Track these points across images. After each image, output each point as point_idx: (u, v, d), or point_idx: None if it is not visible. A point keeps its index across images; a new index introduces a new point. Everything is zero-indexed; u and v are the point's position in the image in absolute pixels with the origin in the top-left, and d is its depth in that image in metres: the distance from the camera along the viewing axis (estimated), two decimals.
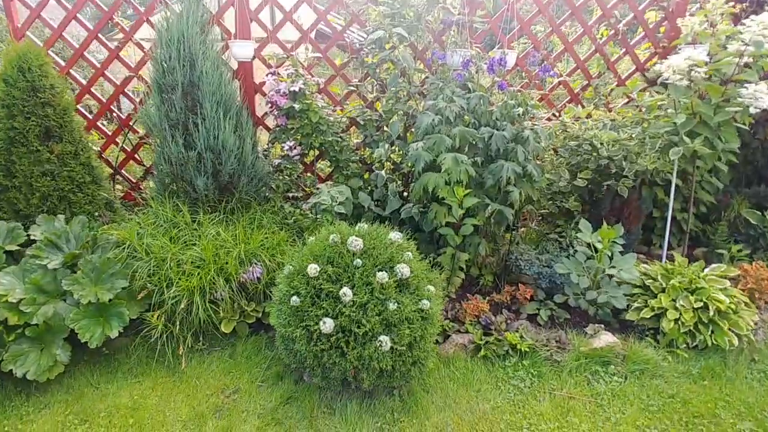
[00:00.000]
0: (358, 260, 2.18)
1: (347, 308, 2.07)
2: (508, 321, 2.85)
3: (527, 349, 2.53)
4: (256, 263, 2.79)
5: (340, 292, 2.08)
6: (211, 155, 3.08)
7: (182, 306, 2.54)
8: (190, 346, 2.64)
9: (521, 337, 2.64)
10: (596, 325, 2.84)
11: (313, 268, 2.15)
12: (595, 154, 3.17)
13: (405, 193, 3.69)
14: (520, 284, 3.05)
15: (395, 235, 2.34)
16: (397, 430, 2.15)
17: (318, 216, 3.19)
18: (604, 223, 3.27)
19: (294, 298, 2.15)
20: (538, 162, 3.14)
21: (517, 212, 3.12)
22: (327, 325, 2.05)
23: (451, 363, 2.55)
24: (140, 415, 2.27)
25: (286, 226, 3.45)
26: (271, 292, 2.66)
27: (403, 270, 2.16)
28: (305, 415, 2.26)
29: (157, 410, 2.31)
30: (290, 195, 3.78)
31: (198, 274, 2.63)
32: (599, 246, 2.68)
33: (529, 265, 3.05)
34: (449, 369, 2.51)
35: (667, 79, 2.88)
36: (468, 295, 3.08)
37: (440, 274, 3.02)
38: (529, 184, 3.02)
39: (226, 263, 2.72)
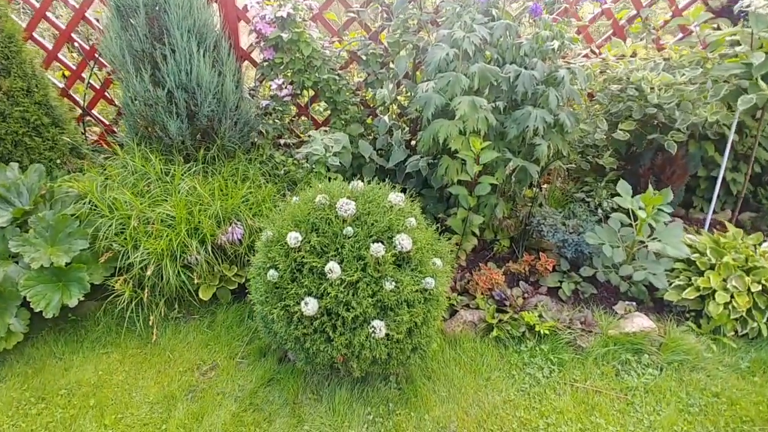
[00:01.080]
0: (349, 228, 1.78)
1: (334, 287, 1.70)
2: (525, 295, 2.49)
3: (547, 332, 2.19)
4: (236, 223, 2.42)
5: (326, 268, 1.71)
6: (184, 94, 2.62)
7: (150, 272, 2.20)
8: (163, 314, 2.35)
9: (540, 316, 2.29)
10: (627, 303, 2.46)
11: (293, 238, 1.76)
12: (641, 101, 2.64)
13: (412, 142, 3.22)
14: (540, 252, 2.66)
15: (396, 197, 1.93)
16: (392, 426, 1.86)
17: (313, 167, 2.77)
18: (642, 183, 2.81)
19: (271, 271, 1.79)
20: (570, 109, 2.62)
21: (543, 169, 2.66)
22: (309, 306, 1.70)
23: (457, 344, 2.22)
24: (103, 395, 2.01)
25: (276, 178, 3.04)
26: (254, 255, 2.31)
27: (404, 242, 1.77)
28: (288, 400, 1.98)
29: (122, 389, 2.05)
30: (282, 142, 3.34)
31: (167, 234, 2.28)
32: (642, 214, 2.23)
33: (553, 231, 2.63)
34: (455, 351, 2.19)
35: (747, 6, 2.28)
36: (480, 263, 2.71)
37: (449, 239, 2.63)
38: (560, 136, 2.53)
39: (200, 222, 2.35)
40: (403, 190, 3.07)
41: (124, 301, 2.25)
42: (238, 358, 2.21)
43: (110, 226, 2.31)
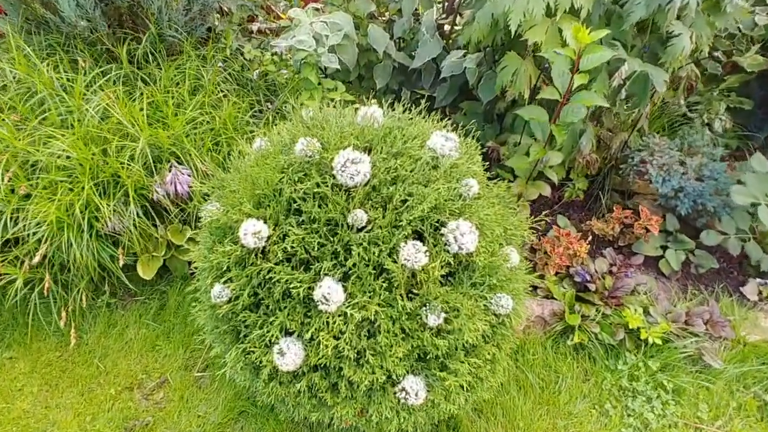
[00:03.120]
0: (360, 212, 0.92)
1: (332, 329, 0.91)
2: (612, 269, 1.71)
3: (659, 341, 1.44)
4: (177, 166, 1.55)
5: (316, 293, 0.89)
6: None
7: (39, 256, 1.40)
8: (87, 302, 1.60)
9: (646, 311, 1.53)
10: (759, 281, 1.70)
11: (250, 234, 0.91)
12: None
13: (448, 29, 2.17)
14: (630, 198, 1.81)
15: (443, 143, 1.03)
16: None
17: (299, 68, 1.81)
18: None
19: (217, 288, 0.98)
20: None
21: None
22: (287, 358, 0.92)
23: (520, 353, 1.50)
24: None
25: (247, 86, 2.08)
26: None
27: (464, 239, 0.93)
28: None
29: (25, 429, 1.38)
30: (254, 28, 2.29)
31: (64, 191, 1.43)
32: None
33: (666, 175, 1.74)
34: (517, 365, 1.48)
35: None
36: (546, 215, 1.87)
37: (505, 182, 1.77)
38: (708, 20, 1.51)
39: (123, 167, 1.48)
40: (430, 100, 2.13)
41: (18, 290, 1.49)
42: (197, 371, 1.52)
43: None
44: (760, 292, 1.67)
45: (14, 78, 1.64)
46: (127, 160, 1.48)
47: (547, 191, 1.71)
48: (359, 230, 0.94)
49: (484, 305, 0.99)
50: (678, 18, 1.41)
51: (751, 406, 1.38)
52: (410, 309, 0.92)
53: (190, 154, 1.57)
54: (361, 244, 0.91)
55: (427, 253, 0.91)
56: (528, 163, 1.63)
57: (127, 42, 1.80)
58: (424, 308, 0.94)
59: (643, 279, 1.65)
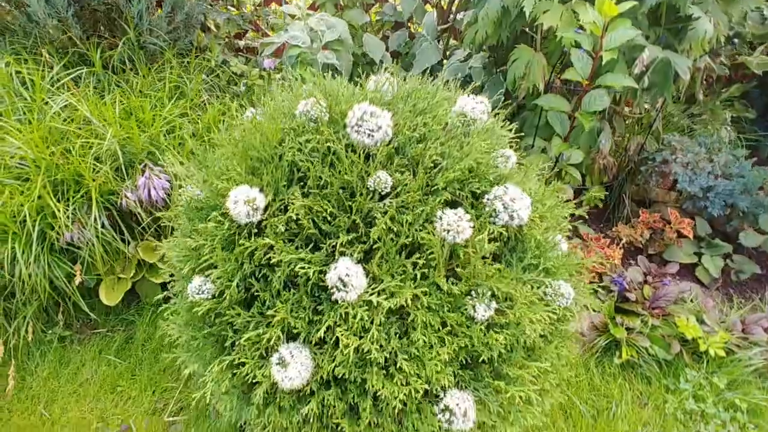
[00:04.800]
0: (384, 174, 0.73)
1: (351, 324, 0.68)
2: (648, 278, 1.52)
3: (722, 353, 1.23)
4: (152, 168, 1.34)
5: (329, 277, 0.67)
6: None
7: None
8: (28, 340, 1.31)
9: (700, 321, 1.32)
10: None
11: (242, 200, 0.70)
12: None
13: (442, 46, 2.10)
14: (670, 209, 1.66)
15: (473, 105, 0.86)
16: None
17: (292, 66, 1.66)
18: None
19: (196, 281, 0.75)
20: None
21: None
22: (292, 370, 0.68)
23: None
24: None
25: (234, 98, 1.93)
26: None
27: (517, 206, 0.73)
28: None
29: None
30: (242, 44, 2.19)
31: (18, 192, 1.20)
32: None
33: (692, 174, 1.61)
34: (561, 389, 1.23)
35: None
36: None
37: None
38: (724, 5, 1.45)
39: (87, 166, 1.26)
40: None
41: None
42: (168, 416, 1.22)
43: None
44: None
45: None
46: (92, 160, 1.26)
47: (569, 194, 1.55)
48: (382, 198, 0.74)
49: (540, 293, 0.78)
50: (693, 4, 1.34)
51: None
52: (456, 293, 0.70)
53: (169, 159, 1.37)
54: (387, 212, 0.71)
55: (471, 222, 0.71)
56: (548, 161, 1.48)
57: (101, 47, 1.64)
58: (469, 296, 0.72)
59: (686, 286, 1.46)
